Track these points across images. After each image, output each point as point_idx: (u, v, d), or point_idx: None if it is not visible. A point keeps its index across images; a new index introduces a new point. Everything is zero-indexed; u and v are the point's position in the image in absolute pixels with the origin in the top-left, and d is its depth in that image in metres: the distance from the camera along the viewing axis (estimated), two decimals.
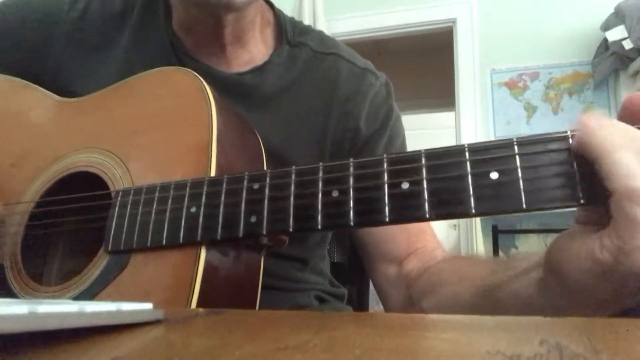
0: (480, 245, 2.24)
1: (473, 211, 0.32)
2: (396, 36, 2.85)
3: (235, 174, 0.41)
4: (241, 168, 0.47)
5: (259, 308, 0.46)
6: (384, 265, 0.61)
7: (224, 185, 0.41)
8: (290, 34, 0.65)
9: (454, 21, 2.61)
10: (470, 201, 0.32)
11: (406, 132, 0.69)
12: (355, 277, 0.86)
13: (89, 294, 0.43)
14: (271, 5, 0.67)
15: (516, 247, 2.34)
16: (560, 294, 0.32)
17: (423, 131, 4.07)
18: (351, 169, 0.37)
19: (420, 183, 0.34)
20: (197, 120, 0.47)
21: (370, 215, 0.35)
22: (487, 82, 2.50)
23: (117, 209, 0.45)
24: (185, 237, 0.41)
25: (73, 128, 0.55)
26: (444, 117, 4.35)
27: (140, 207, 0.44)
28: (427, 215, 0.34)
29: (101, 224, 0.46)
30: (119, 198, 0.46)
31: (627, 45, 2.11)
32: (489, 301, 0.39)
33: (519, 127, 2.42)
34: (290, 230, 0.38)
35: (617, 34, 2.14)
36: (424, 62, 4.24)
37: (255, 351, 0.19)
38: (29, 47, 0.65)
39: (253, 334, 0.23)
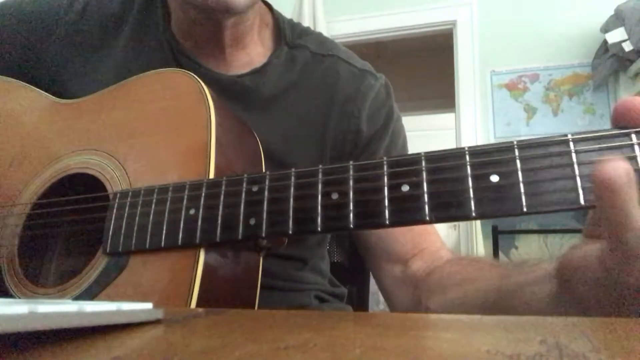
0: (480, 245, 2.24)
1: (473, 214, 0.32)
2: (396, 38, 2.86)
3: (234, 176, 0.41)
4: (240, 169, 0.47)
5: (258, 308, 0.46)
6: (389, 265, 0.61)
7: (223, 187, 0.41)
8: (288, 35, 0.65)
9: (454, 23, 2.61)
10: (470, 204, 0.32)
11: (406, 134, 0.69)
12: (355, 276, 0.86)
13: (88, 296, 0.43)
14: (269, 7, 0.67)
15: (516, 248, 2.34)
16: (575, 307, 0.31)
17: (423, 133, 4.07)
18: (351, 172, 0.37)
19: (420, 186, 0.34)
20: (195, 122, 0.46)
21: (370, 218, 0.35)
22: (487, 83, 2.50)
23: (114, 210, 0.45)
24: (184, 239, 0.41)
25: (70, 129, 0.55)
26: (444, 119, 4.35)
27: (139, 209, 0.44)
28: (427, 218, 0.34)
29: (99, 225, 0.46)
30: (117, 200, 0.46)
31: (627, 47, 2.11)
32: (498, 310, 0.39)
33: (519, 129, 2.42)
34: (290, 232, 0.38)
35: (617, 35, 2.15)
36: (424, 63, 4.24)
37: (255, 351, 0.19)
38: (26, 48, 0.65)
39: (253, 334, 0.23)
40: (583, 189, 0.30)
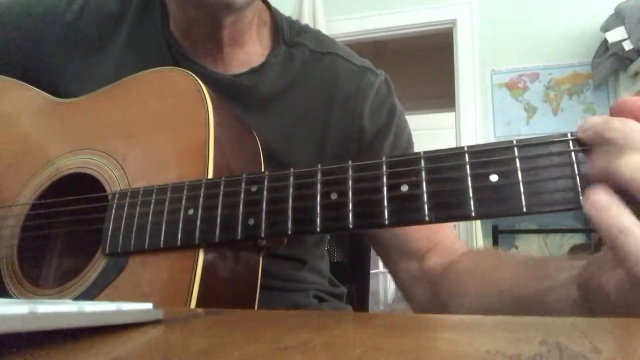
0: (480, 245, 2.24)
1: (473, 214, 0.32)
2: (396, 37, 2.86)
3: (233, 176, 0.41)
4: (239, 169, 0.47)
5: (258, 308, 0.46)
6: (404, 260, 0.60)
7: (222, 188, 0.41)
8: (287, 33, 0.65)
9: (453, 22, 2.61)
10: (470, 204, 0.32)
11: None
12: (355, 276, 0.86)
13: (87, 297, 0.43)
14: (267, 5, 0.67)
15: (516, 248, 2.34)
16: (604, 312, 0.31)
17: (423, 132, 4.07)
18: (350, 172, 0.37)
19: (419, 185, 0.34)
20: (194, 121, 0.46)
21: (369, 218, 0.35)
22: (487, 82, 2.50)
23: (113, 211, 0.45)
24: (183, 239, 0.41)
25: (69, 129, 0.55)
26: (443, 118, 4.36)
27: (137, 210, 0.44)
28: (427, 218, 0.33)
29: (98, 226, 0.46)
30: (116, 200, 0.46)
31: (627, 46, 2.11)
32: (523, 312, 0.39)
33: (519, 128, 2.42)
34: (289, 233, 0.37)
35: (617, 34, 2.15)
36: (424, 63, 4.24)
37: (254, 351, 0.19)
38: (25, 47, 0.65)
39: (252, 334, 0.23)
40: (583, 188, 0.30)
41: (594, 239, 2.21)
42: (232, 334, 0.23)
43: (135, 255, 0.43)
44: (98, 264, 0.45)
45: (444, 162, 0.34)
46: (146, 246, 0.42)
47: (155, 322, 0.26)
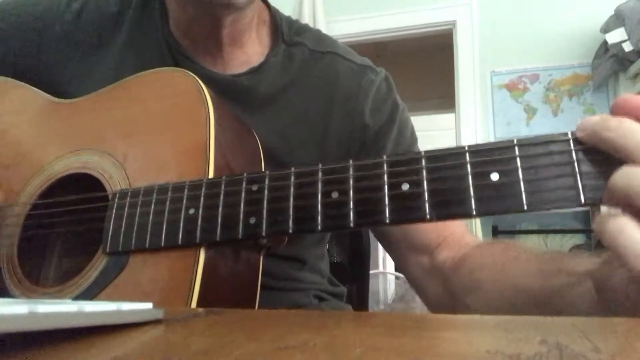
0: None
1: (474, 212, 0.32)
2: (396, 38, 2.86)
3: (234, 176, 0.41)
4: (239, 168, 0.47)
5: (258, 308, 0.46)
6: (415, 256, 0.60)
7: (223, 187, 0.41)
8: (286, 33, 0.65)
9: (453, 23, 2.61)
10: (471, 202, 0.32)
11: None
12: (355, 276, 0.86)
13: (88, 296, 0.43)
14: (267, 4, 0.67)
15: None
16: (623, 312, 0.31)
17: (423, 133, 4.07)
18: (351, 170, 0.37)
19: (420, 184, 0.34)
20: (194, 121, 0.46)
21: (370, 216, 0.35)
22: (487, 84, 2.50)
23: (114, 210, 0.45)
24: (183, 239, 0.41)
25: (69, 129, 0.55)
26: (444, 119, 4.36)
27: (138, 209, 0.44)
28: (428, 216, 0.34)
29: (98, 225, 0.46)
30: (116, 200, 0.46)
31: (627, 47, 2.11)
32: (540, 311, 0.38)
33: (519, 129, 2.42)
34: (290, 231, 0.38)
35: (617, 36, 2.15)
36: (424, 64, 4.25)
37: (255, 351, 0.19)
38: (25, 47, 0.65)
39: (253, 334, 0.23)
40: (583, 187, 0.30)
41: (594, 239, 2.21)
42: (233, 334, 0.23)
43: (136, 254, 0.43)
44: (99, 263, 0.45)
45: (445, 161, 0.34)
46: (147, 245, 0.42)
47: (156, 322, 0.26)
